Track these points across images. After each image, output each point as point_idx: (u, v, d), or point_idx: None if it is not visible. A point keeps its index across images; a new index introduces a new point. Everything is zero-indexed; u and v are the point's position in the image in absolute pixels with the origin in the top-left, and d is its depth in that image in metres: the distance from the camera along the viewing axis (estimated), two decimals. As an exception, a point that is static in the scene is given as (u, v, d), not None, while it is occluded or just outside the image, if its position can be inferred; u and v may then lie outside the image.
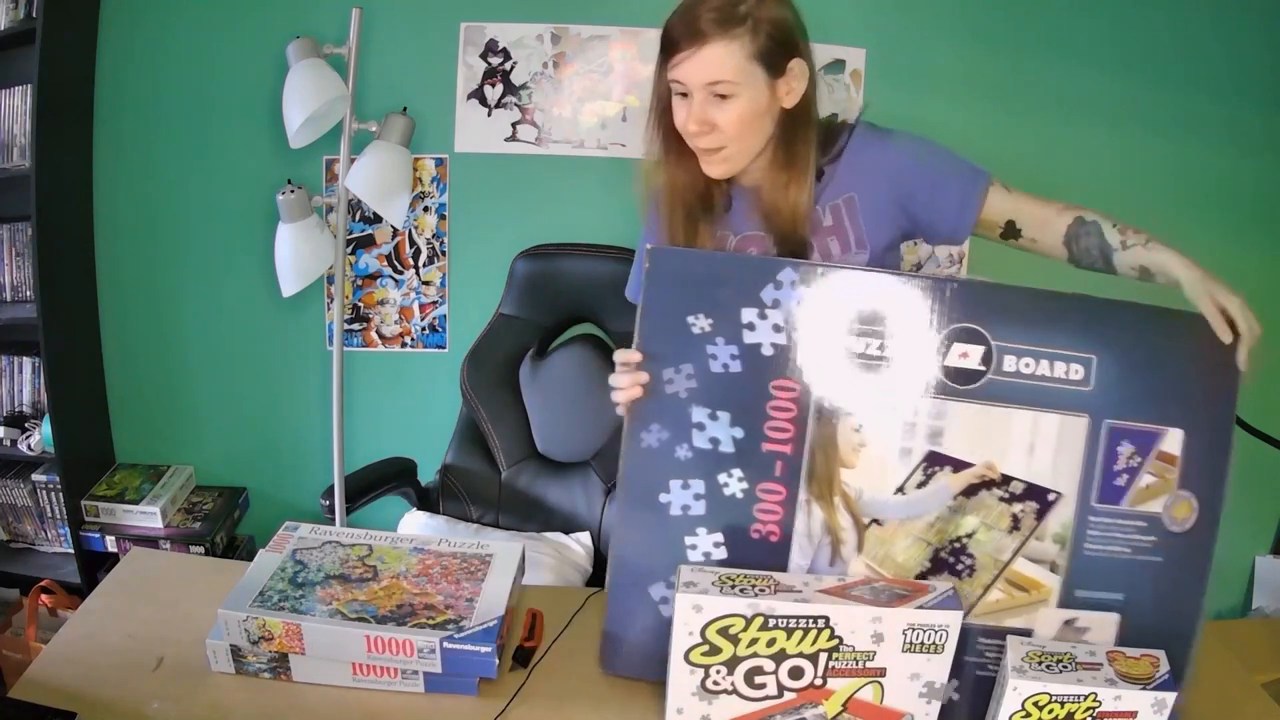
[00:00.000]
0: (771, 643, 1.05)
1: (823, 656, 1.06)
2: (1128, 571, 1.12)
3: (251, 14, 2.27)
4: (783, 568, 1.15)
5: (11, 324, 2.28)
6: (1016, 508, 1.12)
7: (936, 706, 1.08)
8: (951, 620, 1.04)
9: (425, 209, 2.41)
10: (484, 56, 2.32)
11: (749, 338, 1.12)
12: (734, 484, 1.14)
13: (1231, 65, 2.29)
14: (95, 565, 2.34)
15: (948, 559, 1.13)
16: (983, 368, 1.10)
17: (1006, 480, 1.12)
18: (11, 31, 2.14)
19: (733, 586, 1.06)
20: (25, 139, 2.19)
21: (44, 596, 2.13)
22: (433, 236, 2.43)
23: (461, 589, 1.22)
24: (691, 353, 1.13)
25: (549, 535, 1.87)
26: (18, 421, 2.38)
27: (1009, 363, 1.10)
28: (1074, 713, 1.02)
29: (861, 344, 1.11)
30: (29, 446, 2.32)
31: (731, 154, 1.24)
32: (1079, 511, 1.11)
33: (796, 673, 1.07)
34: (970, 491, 1.12)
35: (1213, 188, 2.37)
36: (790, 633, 1.05)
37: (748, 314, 1.12)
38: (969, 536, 1.13)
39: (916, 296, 1.10)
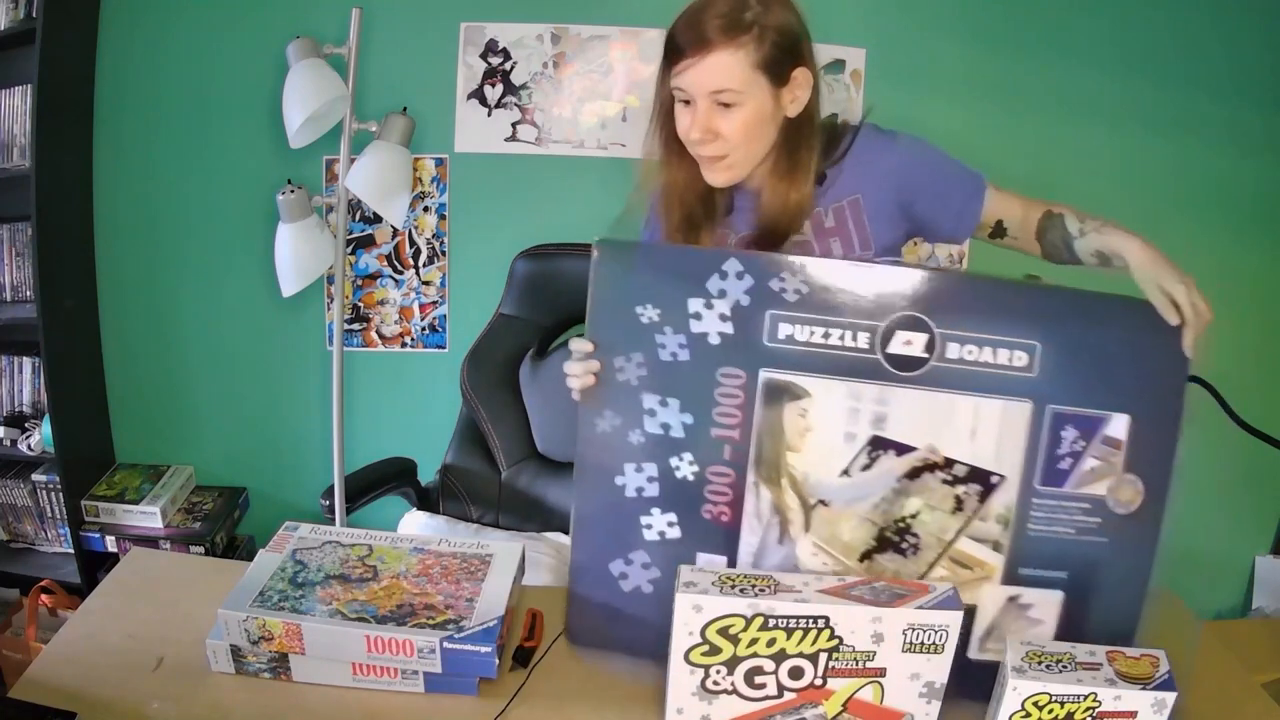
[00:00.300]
0: (771, 643, 1.05)
1: (823, 656, 1.06)
2: (1072, 551, 1.14)
3: (251, 14, 2.27)
4: (734, 547, 1.18)
5: (11, 324, 2.28)
6: (959, 489, 1.14)
7: (936, 706, 1.08)
8: (952, 620, 1.04)
9: (425, 209, 2.41)
10: (484, 56, 2.32)
11: (696, 327, 1.14)
12: (685, 467, 1.17)
13: (1232, 65, 2.30)
14: (95, 565, 2.34)
15: (893, 538, 1.16)
16: (926, 355, 1.12)
17: (950, 463, 1.13)
18: (11, 31, 2.14)
19: (733, 586, 1.06)
20: (25, 139, 2.19)
21: (44, 596, 2.14)
22: (433, 236, 2.43)
23: (461, 589, 1.22)
24: (641, 342, 1.15)
25: (549, 535, 1.87)
26: (18, 421, 2.38)
27: (952, 350, 1.11)
28: (1074, 713, 1.02)
29: (806, 331, 1.13)
30: (29, 446, 2.32)
31: (735, 162, 1.24)
32: (1022, 493, 1.13)
33: (796, 673, 1.07)
34: (914, 474, 1.14)
35: (1213, 188, 2.37)
36: (790, 633, 1.05)
37: (694, 304, 1.14)
38: (913, 517, 1.15)
39: (860, 284, 1.12)
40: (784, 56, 1.19)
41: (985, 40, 2.29)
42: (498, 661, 1.14)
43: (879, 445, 1.14)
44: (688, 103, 1.21)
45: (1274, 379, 2.44)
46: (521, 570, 1.31)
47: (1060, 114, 2.32)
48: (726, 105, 1.19)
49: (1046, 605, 1.16)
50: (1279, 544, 2.60)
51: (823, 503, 1.16)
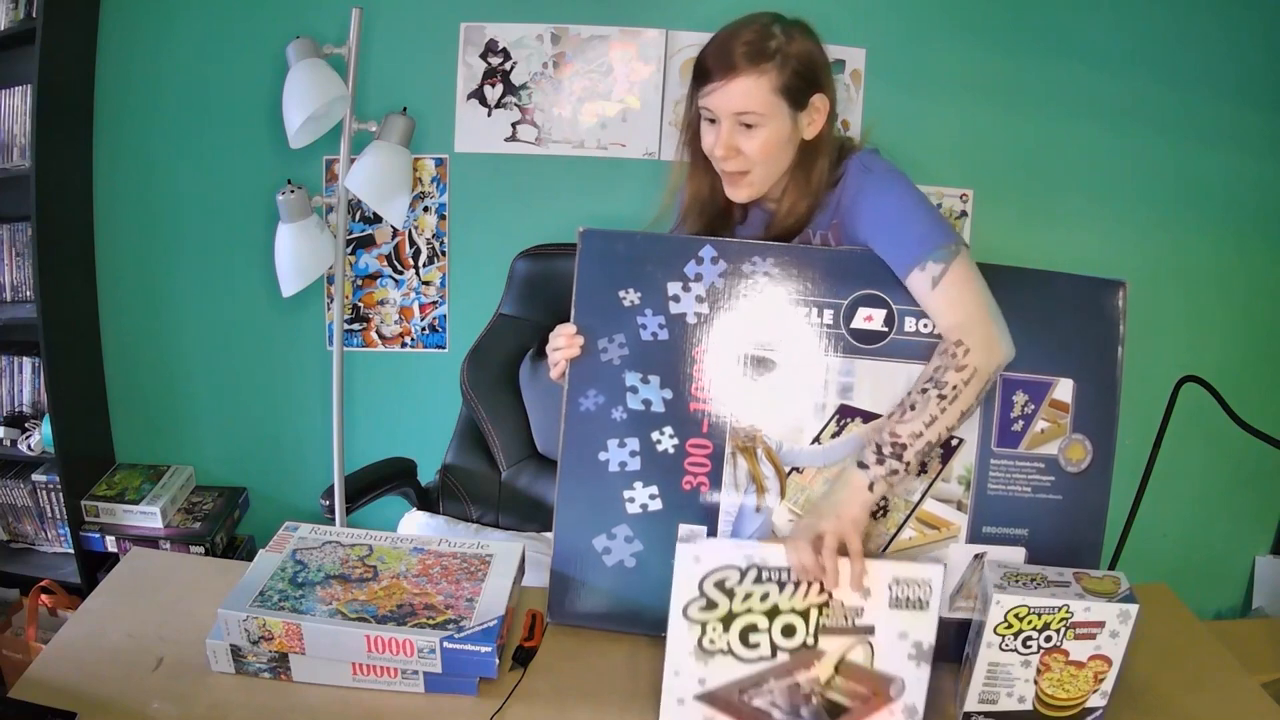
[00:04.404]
0: (765, 597, 1.09)
1: (814, 613, 1.10)
2: (1029, 509, 1.21)
3: (251, 14, 2.27)
4: (714, 516, 1.24)
5: (11, 324, 2.28)
6: None
7: (926, 671, 1.11)
8: (934, 574, 1.09)
9: (425, 209, 2.41)
10: (484, 56, 2.32)
11: (674, 309, 1.23)
12: (666, 441, 1.24)
13: (1234, 65, 2.30)
14: (95, 565, 2.34)
15: None
16: (886, 329, 1.21)
17: None
18: (11, 31, 2.14)
19: None
20: (25, 139, 2.19)
21: (44, 596, 2.14)
22: (433, 236, 2.43)
23: (461, 589, 1.22)
24: (623, 323, 1.24)
25: (549, 535, 1.86)
26: (18, 421, 2.38)
27: (909, 323, 1.21)
28: (1050, 622, 1.09)
29: (776, 309, 1.22)
30: (29, 446, 2.32)
31: (755, 179, 1.30)
32: (980, 455, 1.21)
33: (789, 630, 1.10)
34: None
35: (1215, 187, 2.38)
36: (783, 585, 1.09)
37: (673, 287, 1.23)
38: None
39: (824, 267, 1.22)
40: (804, 84, 1.25)
41: (985, 40, 2.29)
42: (498, 661, 1.15)
43: (847, 413, 1.22)
44: (713, 121, 1.28)
45: (1274, 379, 2.44)
46: (521, 570, 1.32)
47: (1060, 114, 2.32)
48: (749, 126, 1.25)
49: (1010, 561, 1.22)
50: (1279, 544, 2.61)
51: (796, 470, 1.23)
